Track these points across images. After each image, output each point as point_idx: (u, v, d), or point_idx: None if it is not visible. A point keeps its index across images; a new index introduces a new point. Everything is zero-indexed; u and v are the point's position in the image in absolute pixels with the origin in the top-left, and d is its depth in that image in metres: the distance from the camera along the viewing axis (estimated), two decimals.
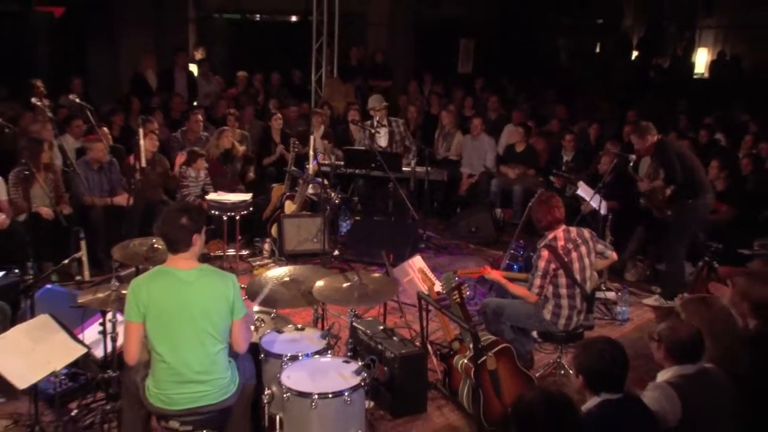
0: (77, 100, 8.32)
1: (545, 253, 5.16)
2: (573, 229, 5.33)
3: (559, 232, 5.23)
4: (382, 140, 9.06)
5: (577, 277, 5.19)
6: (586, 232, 5.39)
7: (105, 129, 8.31)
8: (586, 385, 3.44)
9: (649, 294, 7.25)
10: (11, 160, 7.38)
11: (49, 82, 9.85)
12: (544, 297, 5.23)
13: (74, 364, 4.65)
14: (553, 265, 5.14)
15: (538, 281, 5.18)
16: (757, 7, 15.04)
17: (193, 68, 11.99)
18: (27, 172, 6.99)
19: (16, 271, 5.88)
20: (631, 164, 7.40)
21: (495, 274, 5.58)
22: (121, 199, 7.69)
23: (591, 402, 3.41)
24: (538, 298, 5.21)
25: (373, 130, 8.91)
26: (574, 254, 5.20)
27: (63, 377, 4.81)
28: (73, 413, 4.85)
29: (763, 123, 10.17)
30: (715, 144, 9.39)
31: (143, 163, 7.91)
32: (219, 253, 7.60)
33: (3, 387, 4.67)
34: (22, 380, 4.22)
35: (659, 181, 7.15)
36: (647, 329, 6.22)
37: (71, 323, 4.77)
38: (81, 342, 4.59)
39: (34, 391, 4.46)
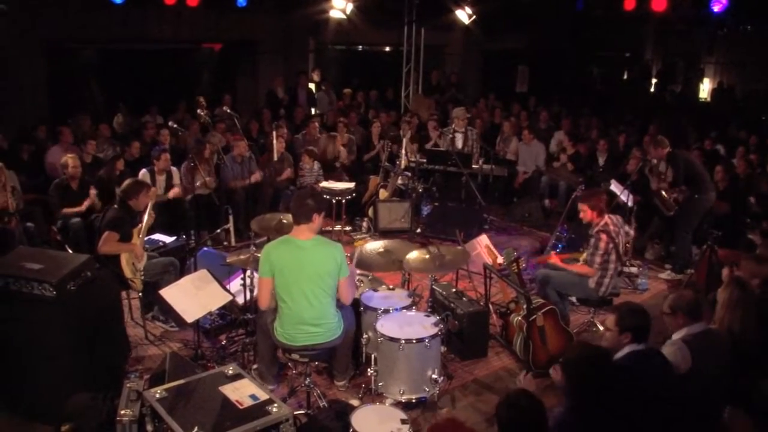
0: (228, 111, 8.50)
1: (605, 236, 4.97)
2: (613, 216, 5.17)
3: (608, 218, 5.07)
4: (459, 142, 8.90)
5: (621, 253, 5.05)
6: (620, 218, 5.25)
7: None
8: (632, 339, 3.36)
9: (663, 269, 6.95)
10: (183, 154, 7.58)
11: (209, 97, 10.09)
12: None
13: (223, 307, 4.76)
14: (611, 245, 4.97)
15: (598, 259, 4.99)
16: (746, 50, 15.14)
17: (311, 86, 12.00)
18: (192, 164, 7.18)
19: (184, 237, 6.04)
20: (649, 167, 7.16)
21: (555, 259, 5.41)
22: (257, 177, 7.73)
23: (621, 352, 3.39)
24: (596, 272, 5.01)
25: (450, 135, 8.78)
26: (619, 237, 5.06)
27: (216, 316, 4.93)
28: (222, 343, 4.97)
29: (756, 138, 9.81)
30: (717, 153, 8.94)
31: (274, 158, 8.02)
32: (328, 228, 7.58)
33: (177, 320, 4.85)
34: (189, 316, 4.35)
35: (665, 183, 6.81)
36: (661, 296, 6.07)
37: (221, 277, 4.87)
38: (228, 291, 4.68)
39: (196, 324, 4.61)
